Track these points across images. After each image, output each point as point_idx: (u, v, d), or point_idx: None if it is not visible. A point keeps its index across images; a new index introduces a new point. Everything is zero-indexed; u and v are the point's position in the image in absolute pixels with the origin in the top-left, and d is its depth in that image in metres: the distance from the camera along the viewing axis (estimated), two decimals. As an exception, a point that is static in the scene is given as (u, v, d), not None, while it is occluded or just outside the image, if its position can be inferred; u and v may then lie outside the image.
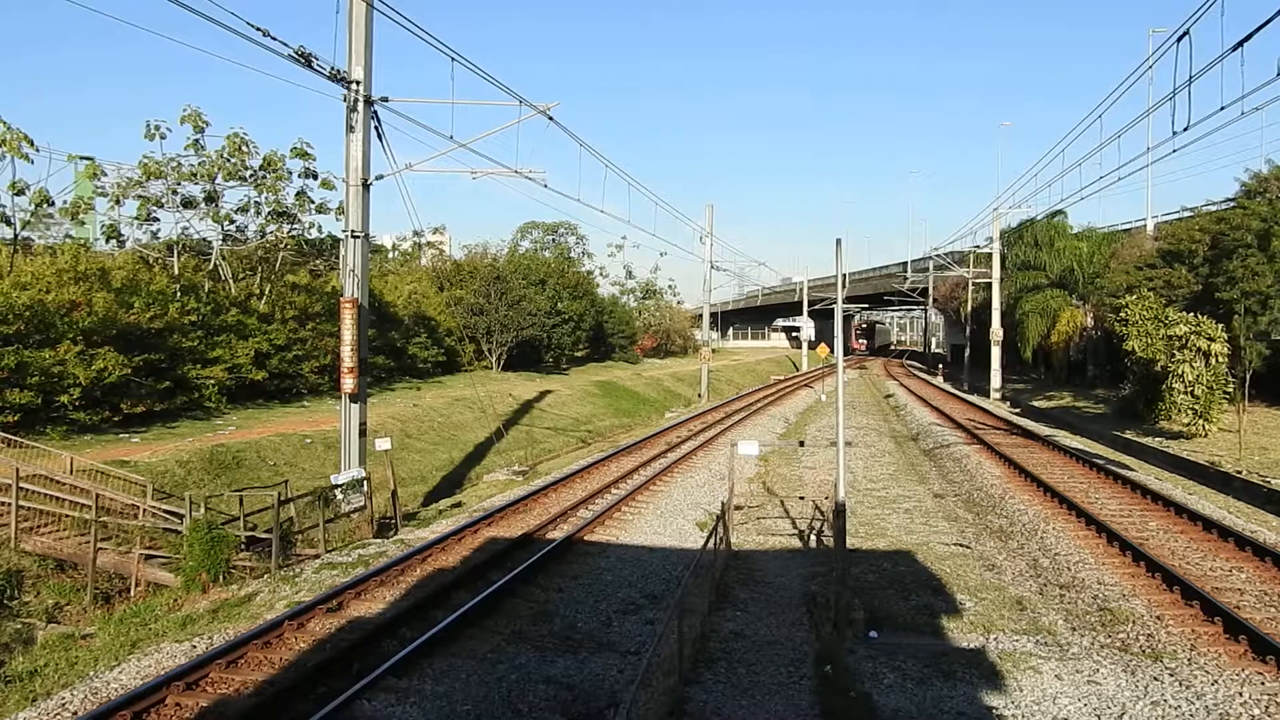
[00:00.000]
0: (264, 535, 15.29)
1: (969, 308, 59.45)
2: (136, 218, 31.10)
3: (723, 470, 21.05)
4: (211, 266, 32.08)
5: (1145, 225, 47.23)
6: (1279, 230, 31.30)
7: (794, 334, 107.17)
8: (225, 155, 31.02)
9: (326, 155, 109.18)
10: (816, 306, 73.72)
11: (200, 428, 24.79)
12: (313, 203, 33.79)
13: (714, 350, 63.78)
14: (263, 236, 33.89)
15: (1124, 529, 15.13)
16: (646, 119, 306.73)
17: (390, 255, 67.90)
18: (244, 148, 31.20)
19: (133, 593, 14.91)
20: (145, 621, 12.55)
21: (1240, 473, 21.24)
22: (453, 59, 17.74)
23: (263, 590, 13.04)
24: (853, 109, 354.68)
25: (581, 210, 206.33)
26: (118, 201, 30.73)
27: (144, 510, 16.58)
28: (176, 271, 30.72)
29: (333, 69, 17.00)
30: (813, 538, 16.07)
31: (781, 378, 68.07)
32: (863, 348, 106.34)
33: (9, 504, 15.54)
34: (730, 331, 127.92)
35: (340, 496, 17.90)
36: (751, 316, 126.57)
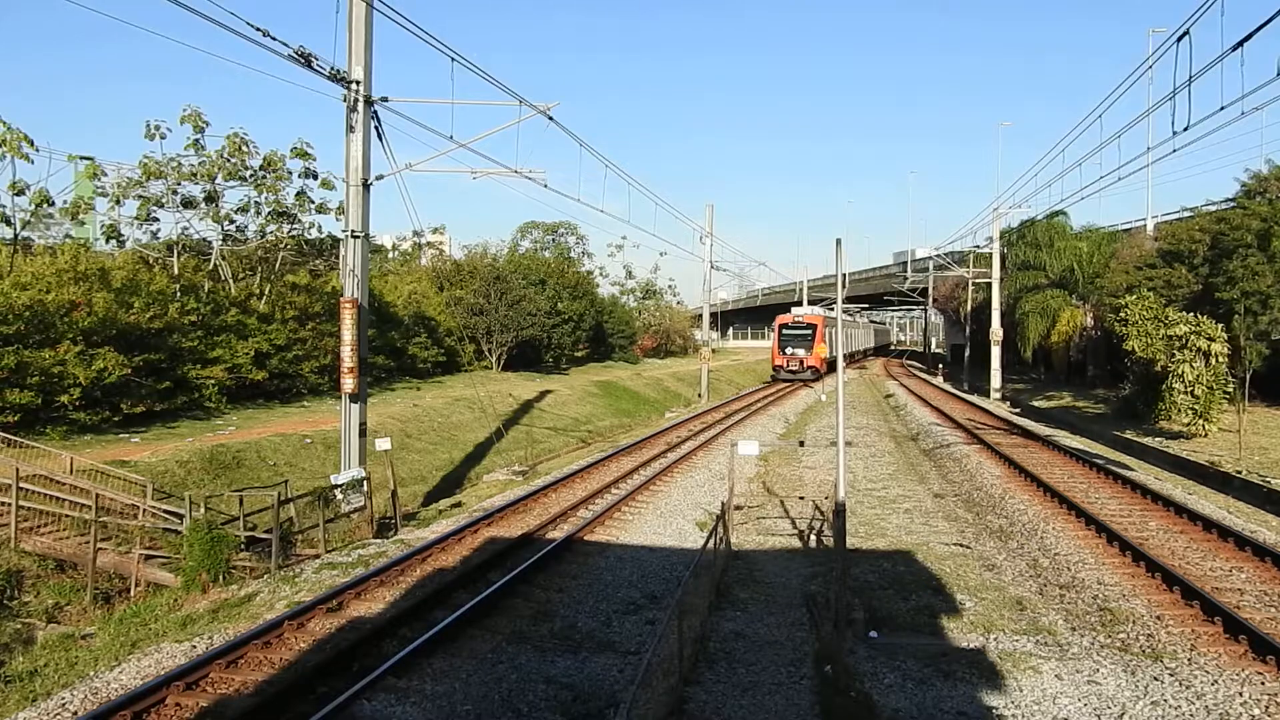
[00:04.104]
0: (264, 535, 15.28)
1: (969, 308, 59.46)
2: (136, 218, 31.11)
3: (723, 470, 21.05)
4: (211, 266, 32.08)
5: (1145, 225, 47.25)
6: (1279, 230, 31.31)
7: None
8: (225, 155, 31.04)
9: (326, 155, 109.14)
10: (817, 306, 73.61)
11: (200, 428, 24.79)
12: (313, 203, 33.82)
13: (714, 350, 63.81)
14: (263, 236, 33.90)
15: (1124, 529, 15.12)
16: (646, 119, 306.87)
17: (390, 255, 67.98)
18: (244, 148, 31.22)
19: (133, 593, 14.91)
20: (145, 621, 12.55)
21: (1240, 472, 21.24)
22: (453, 59, 17.76)
23: (263, 590, 13.04)
24: (853, 109, 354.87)
25: (581, 210, 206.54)
26: (118, 201, 30.77)
27: (144, 510, 16.58)
28: (176, 271, 30.72)
29: (333, 69, 17.00)
30: (813, 538, 16.07)
31: (781, 378, 67.95)
32: (795, 364, 55.52)
33: (9, 504, 15.54)
34: (730, 331, 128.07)
35: (340, 496, 17.90)
36: (751, 316, 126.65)
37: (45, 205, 28.71)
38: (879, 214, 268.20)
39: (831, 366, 56.37)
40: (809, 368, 55.06)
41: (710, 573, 12.22)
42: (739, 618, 11.43)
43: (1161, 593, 12.02)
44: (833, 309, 70.07)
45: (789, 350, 56.06)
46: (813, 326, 55.82)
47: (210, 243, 32.92)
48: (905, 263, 76.50)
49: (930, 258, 69.84)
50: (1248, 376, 30.37)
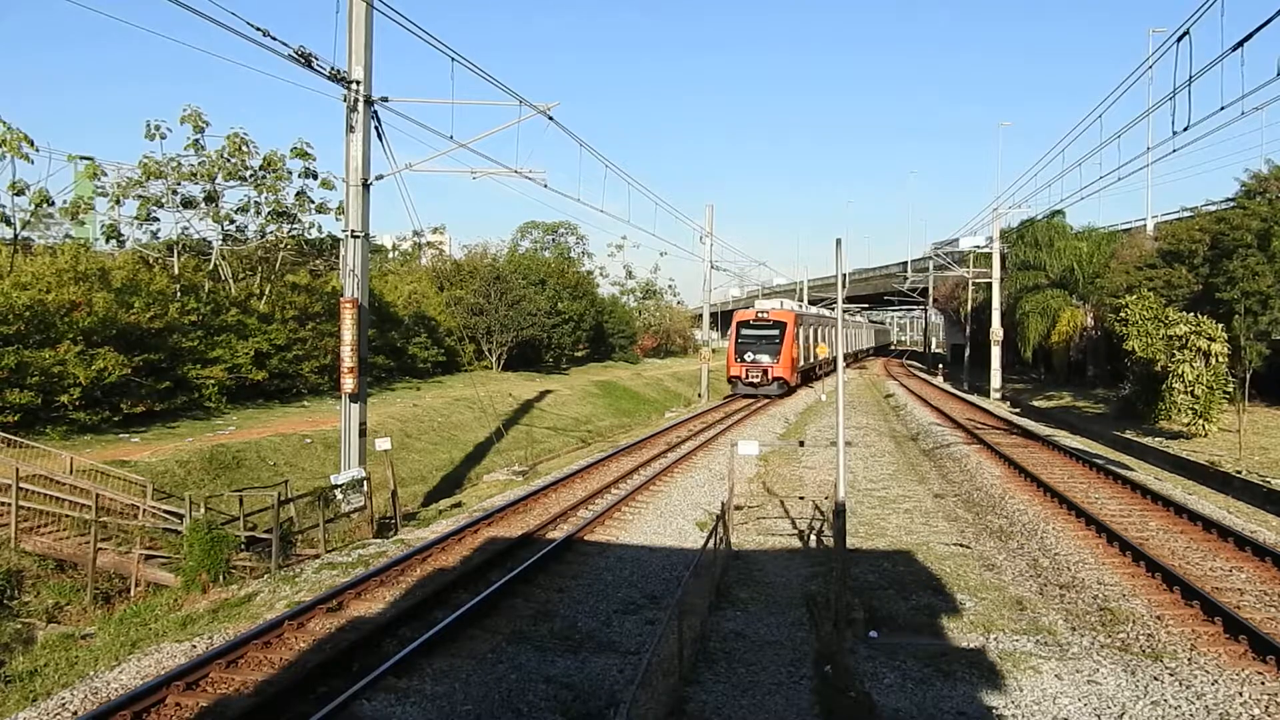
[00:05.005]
0: (264, 535, 15.29)
1: (969, 308, 59.45)
2: (136, 218, 31.14)
3: (723, 470, 21.04)
4: (211, 266, 32.10)
5: (1145, 225, 47.26)
6: (1279, 230, 31.32)
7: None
8: (225, 155, 31.08)
9: (326, 155, 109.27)
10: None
11: (200, 428, 24.81)
12: (313, 203, 33.86)
13: (714, 350, 63.80)
14: (263, 236, 33.95)
15: (1124, 529, 15.12)
16: (646, 119, 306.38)
17: (390, 255, 68.01)
18: (244, 148, 31.25)
19: (133, 593, 14.92)
20: (145, 621, 12.55)
21: (1240, 472, 21.25)
22: (453, 59, 17.76)
23: (263, 590, 13.04)
24: (853, 109, 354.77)
25: (581, 210, 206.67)
26: (118, 201, 30.81)
27: (144, 510, 16.59)
28: (176, 271, 30.75)
29: (333, 69, 17.00)
30: (813, 538, 16.06)
31: (781, 378, 67.76)
32: (757, 375, 42.17)
33: (9, 504, 15.55)
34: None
35: (340, 496, 17.90)
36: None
37: (45, 205, 28.73)
38: (879, 214, 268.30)
39: (806, 377, 48.76)
40: (775, 379, 42.26)
41: (710, 573, 12.22)
42: (739, 618, 11.42)
43: (1161, 593, 12.02)
44: (831, 307, 60.92)
45: (749, 356, 42.51)
46: (781, 325, 42.96)
47: (210, 243, 32.95)
48: (905, 262, 76.50)
49: (930, 258, 69.82)
50: (1248, 376, 30.39)
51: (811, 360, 50.22)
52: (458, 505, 20.42)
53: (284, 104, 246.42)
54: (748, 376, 42.30)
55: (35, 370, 21.34)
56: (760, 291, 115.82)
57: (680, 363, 74.46)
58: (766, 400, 41.33)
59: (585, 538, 15.41)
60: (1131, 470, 21.08)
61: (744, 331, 43.36)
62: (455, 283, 51.24)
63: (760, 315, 43.76)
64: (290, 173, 32.88)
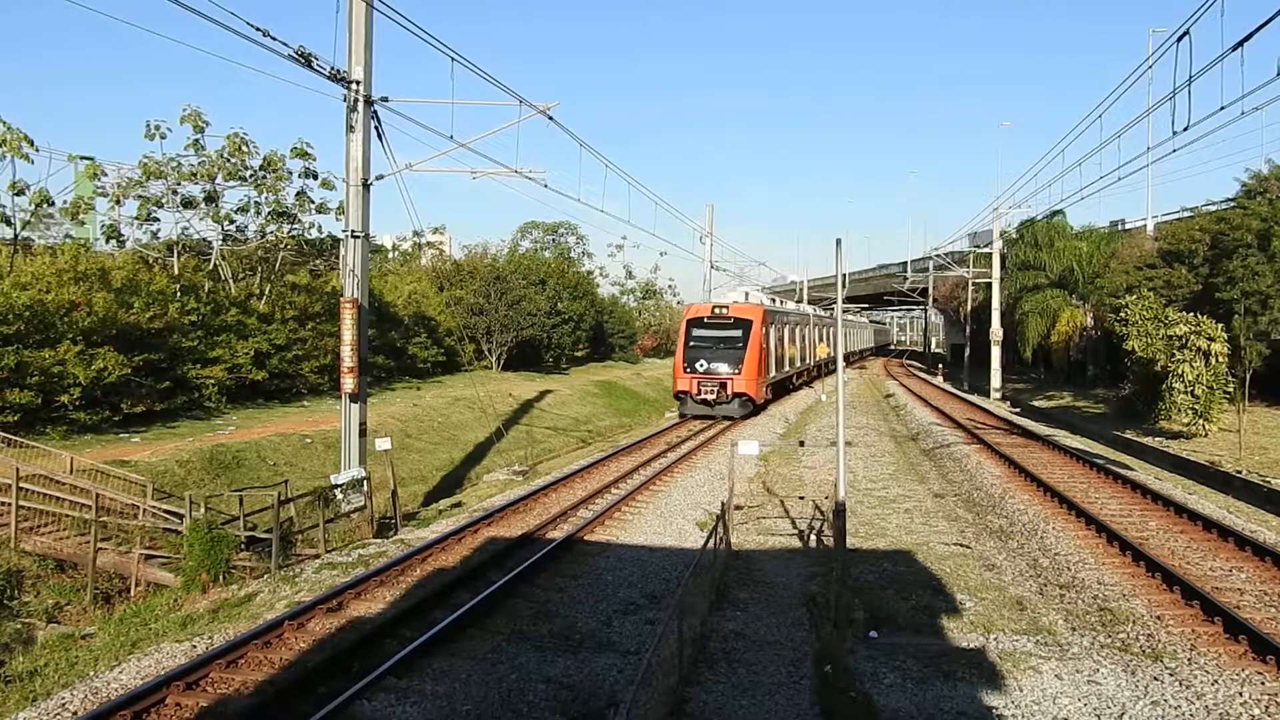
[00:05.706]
0: (264, 535, 15.27)
1: (969, 308, 59.45)
2: (136, 218, 31.17)
3: (723, 470, 21.03)
4: (211, 266, 32.12)
5: (1145, 225, 47.27)
6: (1279, 230, 31.33)
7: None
8: (225, 155, 31.10)
9: (326, 155, 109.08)
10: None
11: (200, 428, 24.81)
12: (313, 203, 33.88)
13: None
14: (263, 236, 33.96)
15: (1124, 529, 15.12)
16: (646, 119, 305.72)
17: (390, 255, 68.01)
18: (244, 148, 31.27)
19: (133, 593, 14.92)
20: (145, 621, 12.56)
21: (1240, 472, 21.25)
22: (453, 59, 17.75)
23: (263, 590, 13.04)
24: (853, 109, 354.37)
25: (581, 210, 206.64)
26: (118, 201, 30.84)
27: (144, 510, 16.58)
28: (176, 271, 30.77)
29: (333, 69, 17.00)
30: (813, 538, 16.06)
31: (781, 378, 67.66)
32: (711, 390, 31.89)
33: (9, 504, 15.55)
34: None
35: (340, 496, 17.90)
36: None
37: (45, 205, 28.76)
38: (879, 214, 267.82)
39: (778, 391, 40.47)
40: (735, 396, 32.29)
41: (710, 573, 12.22)
42: (739, 617, 11.42)
43: (1161, 593, 12.02)
44: (830, 306, 53.76)
45: (701, 365, 32.51)
46: (744, 325, 33.13)
47: (210, 243, 32.98)
48: (905, 262, 76.50)
49: (930, 258, 69.80)
50: (1248, 376, 30.39)
51: (788, 369, 41.92)
52: (458, 505, 20.41)
53: (284, 104, 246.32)
54: (699, 392, 32.47)
55: (35, 370, 21.35)
56: (761, 290, 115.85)
57: (680, 363, 74.35)
58: (770, 399, 38.02)
59: (585, 538, 15.42)
60: (1131, 470, 21.08)
61: (696, 332, 33.53)
62: (455, 283, 51.27)
63: (718, 311, 34.18)
64: (290, 173, 32.93)
